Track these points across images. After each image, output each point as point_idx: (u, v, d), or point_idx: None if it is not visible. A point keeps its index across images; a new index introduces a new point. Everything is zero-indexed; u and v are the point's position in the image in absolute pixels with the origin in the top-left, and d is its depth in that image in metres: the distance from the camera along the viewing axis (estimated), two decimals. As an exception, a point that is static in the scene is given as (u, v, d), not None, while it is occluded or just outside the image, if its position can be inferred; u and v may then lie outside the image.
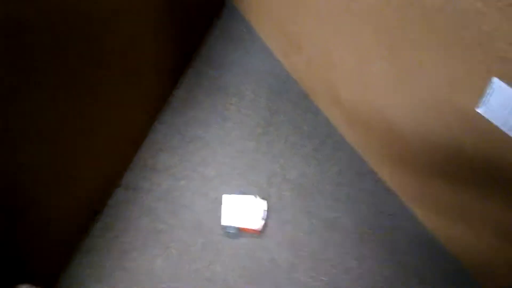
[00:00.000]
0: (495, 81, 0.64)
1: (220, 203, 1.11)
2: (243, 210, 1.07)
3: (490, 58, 0.62)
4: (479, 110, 0.70)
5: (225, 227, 1.07)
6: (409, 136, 0.95)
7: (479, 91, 0.68)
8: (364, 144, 1.17)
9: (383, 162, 1.13)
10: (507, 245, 0.85)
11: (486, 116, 0.70)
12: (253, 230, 1.07)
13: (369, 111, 1.04)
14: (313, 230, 1.10)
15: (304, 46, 1.18)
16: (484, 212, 0.86)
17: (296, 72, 1.33)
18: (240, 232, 1.08)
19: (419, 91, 0.82)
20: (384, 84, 0.92)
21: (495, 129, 0.69)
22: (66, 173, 0.95)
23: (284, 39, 1.28)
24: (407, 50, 0.79)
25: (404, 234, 1.09)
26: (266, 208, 1.09)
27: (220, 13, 1.47)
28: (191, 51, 1.38)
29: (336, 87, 1.13)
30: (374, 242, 1.09)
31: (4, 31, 0.64)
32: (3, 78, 0.68)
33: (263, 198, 1.11)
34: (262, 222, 1.07)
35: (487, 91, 0.66)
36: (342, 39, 0.97)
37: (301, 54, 1.22)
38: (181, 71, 1.34)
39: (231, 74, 1.36)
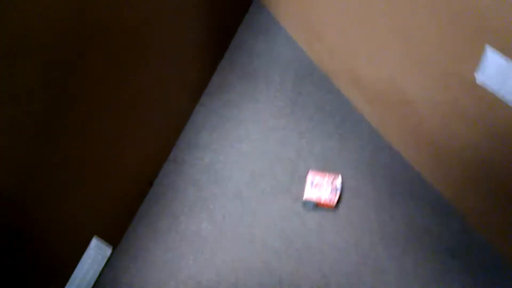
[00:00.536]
0: (488, 49, 0.77)
1: (256, 174, 1.27)
2: (322, 187, 1.21)
3: (483, 29, 0.76)
4: (478, 77, 0.84)
5: (305, 202, 1.21)
6: (421, 109, 1.08)
7: (477, 61, 0.81)
8: (381, 121, 1.31)
9: (400, 136, 1.27)
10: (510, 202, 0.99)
11: (484, 83, 0.83)
12: (329, 205, 1.20)
13: (385, 89, 1.18)
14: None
15: (325, 35, 1.32)
16: (489, 172, 0.99)
17: (318, 59, 1.47)
18: (317, 206, 1.22)
19: (427, 66, 0.96)
20: (398, 64, 1.06)
21: (493, 95, 0.83)
22: (127, 147, 1.12)
23: (306, 30, 1.42)
24: (416, 32, 0.93)
25: (419, 200, 1.23)
26: (340, 186, 1.22)
27: (249, 8, 1.62)
28: (225, 43, 1.53)
29: (355, 70, 1.27)
30: (393, 207, 1.22)
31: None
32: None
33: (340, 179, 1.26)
34: (337, 198, 1.20)
35: (483, 60, 0.80)
36: (359, 26, 1.11)
37: (322, 42, 1.36)
38: (217, 61, 1.50)
39: (260, 61, 1.51)
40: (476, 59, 0.81)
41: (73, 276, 1.05)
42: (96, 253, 1.11)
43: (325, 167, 1.29)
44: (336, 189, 1.20)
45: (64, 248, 1.02)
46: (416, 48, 0.97)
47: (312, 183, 1.22)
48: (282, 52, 1.52)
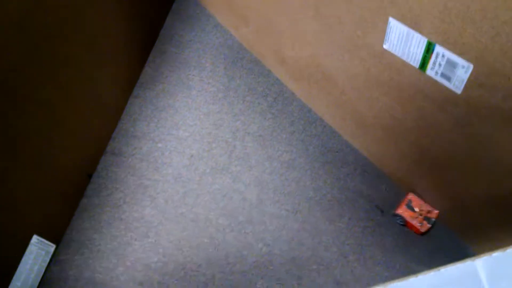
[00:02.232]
0: (391, 20, 0.86)
1: (195, 158, 1.32)
2: (417, 211, 1.19)
3: (386, 3, 0.84)
4: (385, 46, 0.93)
5: (395, 215, 1.22)
6: (341, 82, 1.17)
7: (383, 31, 0.90)
8: (310, 96, 1.39)
9: (327, 109, 1.36)
10: (422, 155, 1.10)
11: (390, 50, 0.92)
12: (417, 229, 1.19)
13: (309, 67, 1.26)
14: (274, 171, 1.32)
15: (250, 18, 1.38)
16: (404, 131, 1.10)
17: (247, 42, 1.53)
18: (405, 225, 1.22)
19: (341, 39, 1.04)
20: (316, 41, 1.13)
21: (399, 60, 0.92)
22: (60, 142, 1.13)
23: (233, 14, 1.47)
24: (328, 8, 1.01)
25: (349, 165, 1.32)
26: (434, 220, 1.19)
27: (175, -3, 1.65)
28: (154, 33, 1.55)
29: (280, 49, 1.34)
30: (326, 175, 1.31)
31: None
32: None
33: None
34: (426, 229, 1.18)
35: (387, 30, 0.88)
36: (278, 6, 1.18)
37: (248, 26, 1.42)
38: (147, 52, 1.52)
39: (191, 50, 1.54)
40: (382, 30, 0.90)
41: (16, 274, 1.05)
42: (38, 249, 1.11)
43: (261, 145, 1.35)
44: (429, 220, 1.18)
45: (3, 249, 1.02)
46: (330, 24, 1.05)
47: (409, 202, 1.21)
48: (211, 39, 1.57)
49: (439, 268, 0.49)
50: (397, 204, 1.22)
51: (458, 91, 0.84)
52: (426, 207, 1.20)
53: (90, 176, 1.28)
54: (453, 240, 1.21)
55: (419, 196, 1.21)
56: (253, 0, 1.29)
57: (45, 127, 1.07)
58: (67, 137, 1.16)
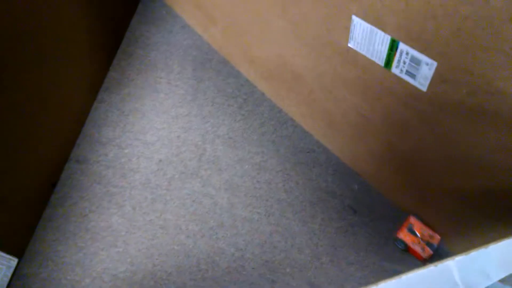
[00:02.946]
0: (354, 18, 0.84)
1: (163, 163, 1.28)
2: (418, 236, 1.14)
3: (348, 0, 0.83)
4: (350, 44, 0.91)
5: (396, 239, 1.16)
6: (310, 81, 1.15)
7: (347, 28, 0.88)
8: (279, 96, 1.37)
9: (297, 108, 1.34)
10: (391, 153, 1.09)
11: (355, 48, 0.91)
12: (419, 255, 1.14)
13: (277, 67, 1.24)
14: (246, 173, 1.29)
15: (217, 18, 1.35)
16: (372, 130, 1.08)
17: (215, 43, 1.50)
18: (406, 250, 1.17)
19: (307, 38, 1.02)
20: (283, 38, 1.12)
21: (364, 58, 0.90)
22: (21, 151, 1.08)
23: (200, 14, 1.44)
24: (294, 6, 0.99)
25: (321, 165, 1.31)
26: (436, 246, 1.14)
27: (140, -2, 1.61)
28: (119, 36, 1.51)
29: (248, 49, 1.31)
30: (298, 176, 1.29)
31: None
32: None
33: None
34: (428, 255, 1.13)
35: (351, 27, 0.87)
36: (245, 5, 1.16)
37: (216, 25, 1.39)
38: (112, 55, 1.47)
39: (158, 52, 1.51)
40: (346, 28, 0.88)
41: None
42: None
43: (231, 147, 1.33)
44: (431, 246, 1.13)
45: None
46: (296, 22, 1.03)
47: (411, 226, 1.16)
48: (179, 40, 1.53)
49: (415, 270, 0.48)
50: (398, 227, 1.19)
51: (424, 88, 0.83)
52: (427, 231, 1.15)
53: (53, 185, 1.23)
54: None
55: (421, 219, 1.18)
56: None
57: (4, 134, 1.02)
58: (28, 144, 1.11)
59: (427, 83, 0.81)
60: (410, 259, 1.17)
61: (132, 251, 1.16)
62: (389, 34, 0.80)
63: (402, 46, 0.80)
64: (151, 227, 1.20)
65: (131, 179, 1.26)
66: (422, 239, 1.15)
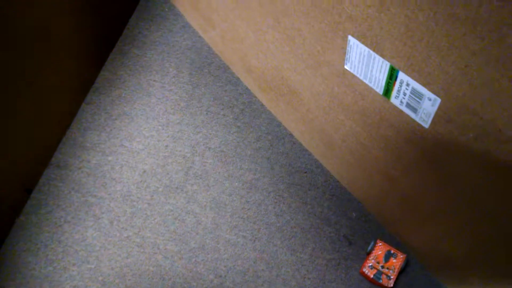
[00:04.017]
0: (350, 38, 0.73)
1: (148, 174, 1.19)
2: (382, 263, 1.07)
3: (345, 19, 0.72)
4: (346, 67, 0.80)
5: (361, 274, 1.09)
6: (307, 99, 1.04)
7: (343, 49, 0.77)
8: (278, 110, 1.27)
9: (296, 125, 1.23)
10: (391, 186, 0.97)
11: (352, 71, 0.80)
12: (384, 286, 1.05)
13: (274, 79, 1.13)
14: (234, 192, 1.20)
15: (215, 21, 1.25)
16: (371, 159, 0.97)
17: (216, 46, 1.40)
18: (372, 284, 1.09)
19: (304, 55, 0.91)
20: (278, 51, 1.01)
21: (362, 83, 0.79)
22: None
23: (198, 16, 1.34)
24: (287, 18, 0.88)
25: (318, 188, 1.20)
26: (403, 267, 1.07)
27: (141, -7, 1.52)
28: (116, 34, 1.42)
29: (246, 57, 1.21)
30: (291, 198, 1.19)
31: None
32: None
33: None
34: (393, 282, 1.05)
35: (348, 48, 0.76)
36: (241, 12, 1.05)
37: (215, 29, 1.29)
38: (106, 54, 1.39)
39: (155, 52, 1.42)
40: (342, 48, 0.78)
41: None
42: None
43: (222, 162, 1.23)
44: (400, 269, 1.06)
45: None
46: (291, 36, 0.92)
47: (374, 257, 1.07)
48: (178, 41, 1.44)
49: None
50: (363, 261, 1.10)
51: (426, 125, 0.71)
52: (391, 255, 1.07)
53: (29, 191, 1.16)
54: (425, 277, 1.09)
55: (388, 240, 1.09)
56: (216, 2, 1.16)
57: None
58: (3, 146, 1.04)
59: (429, 120, 0.70)
60: (406, 301, 1.06)
61: (104, 269, 1.08)
62: (388, 60, 0.69)
63: (402, 75, 0.68)
64: (127, 243, 1.12)
65: (111, 189, 1.18)
66: (387, 266, 1.05)
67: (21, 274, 1.08)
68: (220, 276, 1.09)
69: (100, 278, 1.07)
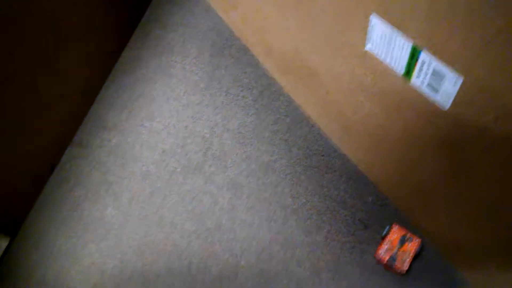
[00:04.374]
0: (372, 18, 0.72)
1: (167, 154, 1.21)
2: (396, 247, 1.06)
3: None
4: (367, 47, 0.79)
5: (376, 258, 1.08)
6: (327, 81, 1.04)
7: (365, 29, 0.76)
8: (297, 93, 1.26)
9: (314, 108, 1.23)
10: (409, 171, 0.96)
11: (373, 52, 0.79)
12: (399, 270, 1.05)
13: (294, 61, 1.12)
14: (252, 173, 1.20)
15: (237, 1, 1.24)
16: (390, 142, 0.96)
17: (236, 28, 1.40)
18: (386, 268, 1.08)
19: (325, 36, 0.90)
20: (300, 32, 1.00)
21: (382, 64, 0.78)
22: (22, 130, 1.04)
23: (221, -3, 1.34)
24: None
25: (335, 171, 1.20)
26: (418, 251, 1.06)
27: (163, -25, 1.52)
28: (138, 14, 1.44)
29: (267, 39, 1.20)
30: (308, 180, 1.19)
31: None
32: None
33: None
34: (407, 266, 1.04)
35: (369, 27, 0.75)
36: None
37: (236, 9, 1.29)
38: (129, 33, 1.40)
39: (176, 33, 1.42)
40: (364, 27, 0.76)
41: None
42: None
43: (240, 143, 1.24)
44: (415, 254, 1.05)
45: None
46: (313, 17, 0.91)
47: (389, 241, 1.06)
48: (200, 23, 1.44)
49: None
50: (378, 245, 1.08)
51: (446, 106, 0.70)
52: (407, 237, 1.06)
53: (53, 167, 1.19)
54: (440, 263, 1.08)
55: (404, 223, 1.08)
56: (237, -17, 1.16)
57: (4, 109, 0.97)
58: (31, 122, 1.07)
59: (450, 101, 0.68)
60: (421, 286, 1.05)
61: (123, 247, 1.11)
62: (410, 40, 0.68)
63: (424, 55, 0.67)
64: (145, 222, 1.14)
65: (131, 168, 1.20)
66: (401, 248, 1.05)
67: (44, 246, 1.11)
68: (236, 256, 1.10)
69: (118, 256, 1.10)
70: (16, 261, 1.10)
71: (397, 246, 1.06)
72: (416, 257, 1.06)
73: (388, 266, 1.05)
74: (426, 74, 0.70)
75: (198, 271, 1.08)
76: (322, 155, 1.22)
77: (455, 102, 0.68)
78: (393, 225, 1.08)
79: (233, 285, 1.07)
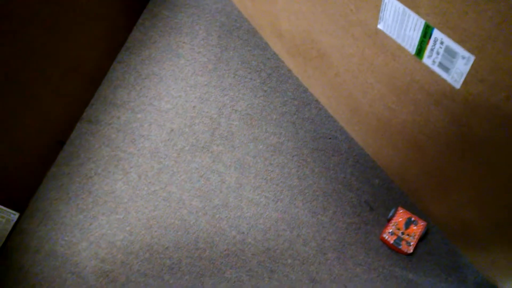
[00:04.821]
0: (385, -2, 0.73)
1: (175, 133, 1.22)
2: (402, 229, 1.08)
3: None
4: (379, 26, 0.80)
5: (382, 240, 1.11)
6: (336, 62, 1.05)
7: (377, 7, 0.77)
8: (306, 75, 1.27)
9: (323, 90, 1.24)
10: (417, 153, 0.98)
11: (385, 31, 0.79)
12: (404, 252, 1.07)
13: (304, 43, 1.13)
14: (259, 154, 1.22)
15: (248, -17, 1.25)
16: (399, 124, 0.97)
17: (245, 10, 1.40)
18: (390, 248, 1.10)
19: (334, 13, 0.91)
20: (310, 12, 1.01)
21: (394, 43, 0.79)
22: (31, 105, 1.05)
23: (231, -22, 1.34)
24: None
25: (342, 154, 1.21)
26: (423, 234, 1.09)
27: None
28: (145, -7, 1.44)
29: (277, 20, 1.21)
30: (315, 162, 1.21)
31: None
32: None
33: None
34: (412, 248, 1.07)
35: (382, 6, 0.76)
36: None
37: (246, -9, 1.30)
38: (137, 14, 1.41)
39: (185, 14, 1.43)
40: (376, 6, 0.77)
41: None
42: (-1, 217, 1.05)
43: (247, 124, 1.25)
44: (420, 236, 1.07)
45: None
46: (325, -5, 0.92)
47: (395, 224, 1.09)
48: (209, 4, 1.45)
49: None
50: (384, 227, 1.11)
51: (457, 85, 0.71)
52: (412, 221, 1.08)
53: (62, 143, 1.21)
54: (445, 247, 1.10)
55: (408, 208, 1.10)
56: (249, -37, 1.16)
57: (13, 87, 0.99)
58: (39, 100, 1.08)
59: (461, 79, 0.70)
60: (425, 268, 1.07)
61: (132, 220, 1.13)
62: (423, 18, 0.69)
63: (436, 33, 0.68)
64: (154, 197, 1.16)
65: (140, 145, 1.22)
66: (407, 232, 1.07)
67: (53, 220, 1.13)
68: (242, 233, 1.12)
69: (127, 228, 1.12)
70: (26, 235, 1.12)
71: (403, 228, 1.08)
72: (422, 239, 1.08)
73: (394, 248, 1.07)
74: (438, 53, 0.71)
75: (205, 245, 1.10)
76: (329, 138, 1.24)
77: (466, 81, 0.69)
78: (399, 208, 1.10)
79: (240, 261, 1.09)
